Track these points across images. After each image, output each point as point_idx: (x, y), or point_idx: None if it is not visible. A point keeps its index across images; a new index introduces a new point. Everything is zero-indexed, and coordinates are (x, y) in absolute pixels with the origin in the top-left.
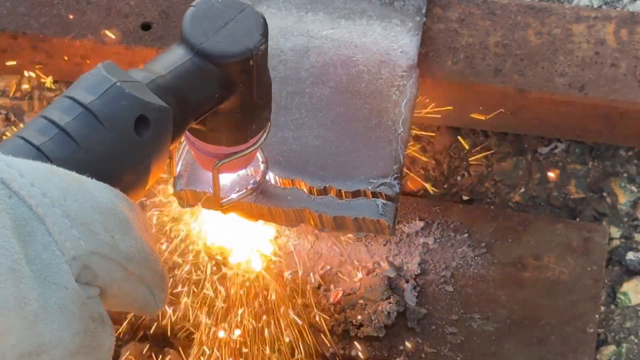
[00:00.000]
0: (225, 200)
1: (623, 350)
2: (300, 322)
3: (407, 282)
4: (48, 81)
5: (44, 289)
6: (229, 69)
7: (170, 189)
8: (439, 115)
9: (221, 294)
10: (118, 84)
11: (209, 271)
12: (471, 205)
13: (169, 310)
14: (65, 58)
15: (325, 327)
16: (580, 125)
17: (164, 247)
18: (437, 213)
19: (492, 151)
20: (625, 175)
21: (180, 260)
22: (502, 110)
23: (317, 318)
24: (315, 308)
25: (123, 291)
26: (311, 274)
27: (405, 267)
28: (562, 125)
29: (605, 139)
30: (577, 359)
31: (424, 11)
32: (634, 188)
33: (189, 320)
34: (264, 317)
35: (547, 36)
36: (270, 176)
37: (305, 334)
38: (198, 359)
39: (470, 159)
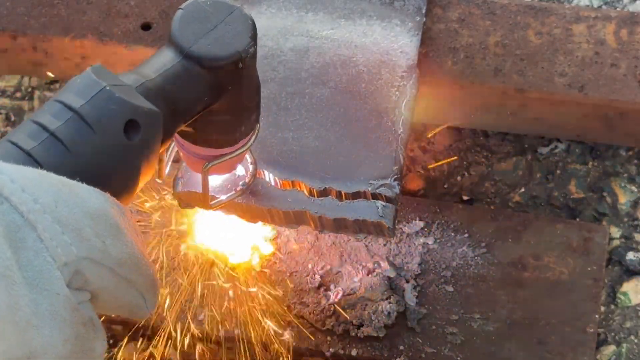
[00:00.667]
0: (214, 201)
1: (623, 350)
2: (300, 322)
3: (407, 282)
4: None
5: (35, 295)
6: (218, 72)
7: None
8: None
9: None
10: (107, 87)
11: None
12: (471, 205)
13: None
14: (65, 58)
15: (325, 327)
16: (580, 125)
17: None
18: (437, 213)
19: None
20: (625, 175)
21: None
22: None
23: (317, 318)
24: (315, 308)
25: (114, 296)
26: (311, 274)
27: (405, 267)
28: (562, 125)
29: (605, 139)
30: (577, 359)
31: (424, 11)
32: (634, 188)
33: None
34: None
35: (547, 36)
36: (270, 177)
37: (305, 334)
38: (199, 356)
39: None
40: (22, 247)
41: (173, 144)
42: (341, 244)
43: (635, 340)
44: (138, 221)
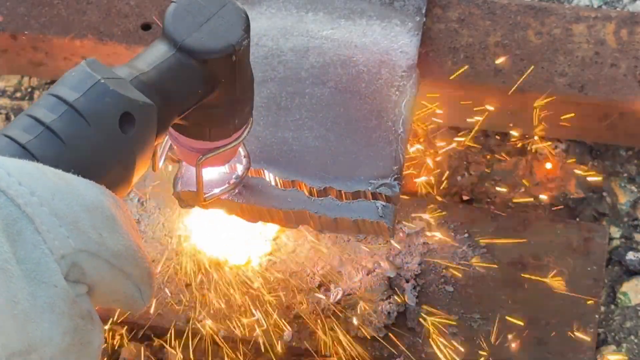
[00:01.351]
0: (208, 195)
1: (623, 350)
2: (300, 322)
3: (407, 282)
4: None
5: (33, 287)
6: (212, 65)
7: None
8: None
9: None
10: (102, 81)
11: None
12: (471, 205)
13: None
14: (65, 58)
15: (325, 326)
16: (580, 125)
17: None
18: (437, 213)
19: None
20: (625, 175)
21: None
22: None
23: (317, 318)
24: (315, 308)
25: (111, 288)
26: (311, 274)
27: (405, 267)
28: (562, 125)
29: (605, 139)
30: (577, 359)
31: (424, 11)
32: (634, 188)
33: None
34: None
35: (547, 36)
36: (270, 177)
37: (305, 334)
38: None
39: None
40: (20, 240)
41: (167, 137)
42: (341, 244)
43: (635, 340)
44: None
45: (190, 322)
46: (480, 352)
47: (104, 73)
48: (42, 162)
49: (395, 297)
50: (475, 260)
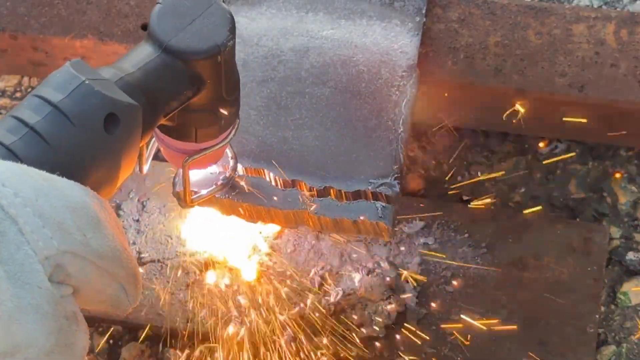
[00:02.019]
0: (195, 196)
1: (623, 350)
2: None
3: (407, 282)
4: None
5: (17, 289)
6: (197, 66)
7: None
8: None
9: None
10: (87, 82)
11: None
12: (471, 206)
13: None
14: (65, 58)
15: (325, 327)
16: (580, 125)
17: None
18: (437, 213)
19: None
20: (625, 175)
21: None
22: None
23: (317, 318)
24: (315, 308)
25: (96, 289)
26: (311, 274)
27: (405, 267)
28: (562, 125)
29: (605, 139)
30: (577, 359)
31: (424, 11)
32: (634, 188)
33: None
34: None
35: (547, 36)
36: (271, 176)
37: (305, 334)
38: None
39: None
40: (3, 240)
41: (154, 138)
42: (341, 244)
43: (635, 340)
44: None
45: (191, 322)
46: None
47: (88, 74)
48: (26, 163)
49: (395, 297)
50: (475, 261)
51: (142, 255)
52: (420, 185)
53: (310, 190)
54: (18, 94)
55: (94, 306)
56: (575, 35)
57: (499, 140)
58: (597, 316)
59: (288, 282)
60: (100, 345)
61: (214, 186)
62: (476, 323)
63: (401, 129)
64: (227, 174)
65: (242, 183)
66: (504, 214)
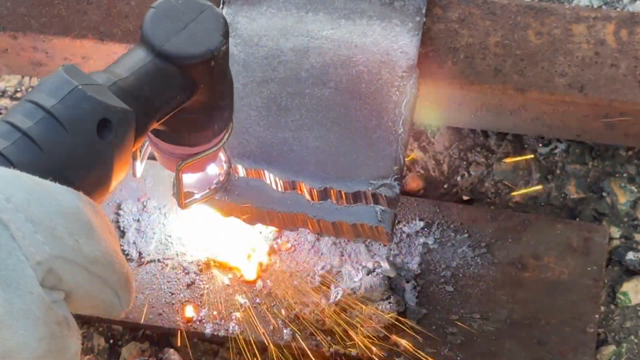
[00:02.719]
0: (188, 200)
1: (623, 350)
2: (300, 323)
3: (407, 282)
4: None
5: (9, 294)
6: (191, 70)
7: None
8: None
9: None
10: (80, 87)
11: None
12: (471, 205)
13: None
14: (65, 58)
15: (325, 327)
16: (580, 125)
17: None
18: (437, 213)
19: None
20: (625, 175)
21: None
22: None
23: (317, 318)
24: (315, 308)
25: (88, 294)
26: (311, 274)
27: (405, 267)
28: (562, 125)
29: (605, 139)
30: (577, 359)
31: (424, 11)
32: (634, 188)
33: (189, 321)
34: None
35: (547, 36)
36: (271, 178)
37: (305, 334)
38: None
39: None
40: None
41: (147, 142)
42: (341, 244)
43: (635, 340)
44: None
45: (191, 322)
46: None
47: (81, 79)
48: (18, 169)
49: (395, 297)
50: (475, 260)
51: (142, 255)
52: (420, 185)
53: (310, 191)
54: (18, 94)
55: (87, 311)
56: (575, 35)
57: (499, 140)
58: (597, 316)
59: (288, 281)
60: (101, 345)
61: (208, 190)
62: (476, 323)
63: (401, 130)
64: (221, 178)
65: (242, 185)
66: (504, 214)
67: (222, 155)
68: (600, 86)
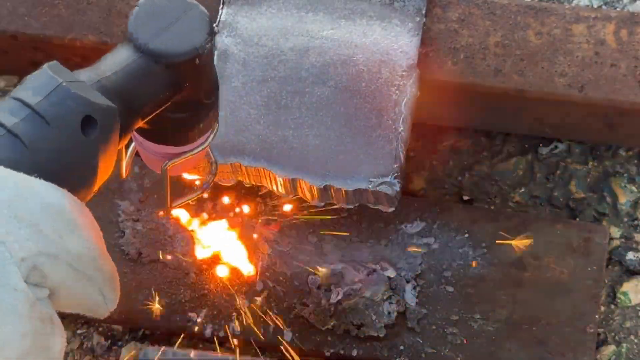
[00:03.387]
0: (176, 202)
1: (623, 350)
2: (300, 323)
3: (407, 282)
4: None
5: None
6: (176, 68)
7: None
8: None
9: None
10: (64, 84)
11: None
12: (471, 206)
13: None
14: (65, 58)
15: (325, 327)
16: (580, 125)
17: None
18: (437, 213)
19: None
20: (625, 175)
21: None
22: None
23: (318, 318)
24: (315, 308)
25: (73, 292)
26: (312, 274)
27: (405, 267)
28: (562, 125)
29: (605, 139)
30: (577, 359)
31: (424, 11)
32: (634, 188)
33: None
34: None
35: (547, 36)
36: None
37: (305, 334)
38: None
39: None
40: None
41: (133, 142)
42: (342, 245)
43: (635, 340)
44: None
45: (191, 322)
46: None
47: (66, 76)
48: (3, 165)
49: (395, 297)
50: (475, 261)
51: (142, 255)
52: (420, 185)
53: (310, 188)
54: None
55: (71, 309)
56: (575, 35)
57: (500, 141)
58: (597, 316)
59: (288, 282)
60: (101, 346)
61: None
62: (476, 323)
63: (401, 128)
64: (208, 179)
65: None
66: (504, 214)
67: (208, 155)
68: (600, 86)
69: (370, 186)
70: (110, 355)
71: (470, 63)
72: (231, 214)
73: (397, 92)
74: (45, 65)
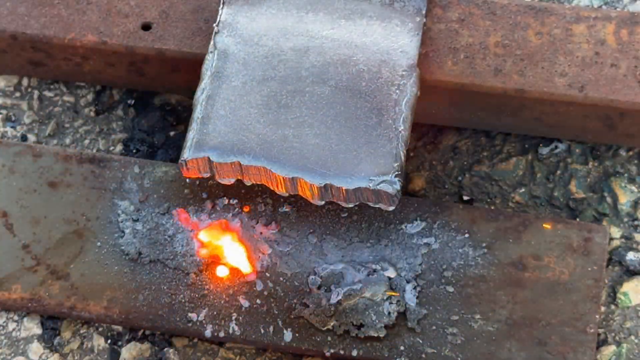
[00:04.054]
0: None
1: (623, 350)
2: (300, 323)
3: (408, 282)
4: None
5: None
6: None
7: None
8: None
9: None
10: None
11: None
12: (471, 206)
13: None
14: (65, 58)
15: (325, 327)
16: (580, 125)
17: None
18: (437, 213)
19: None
20: (625, 175)
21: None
22: None
23: (318, 318)
24: (315, 308)
25: None
26: (312, 275)
27: (405, 267)
28: (562, 125)
29: (605, 139)
30: (577, 359)
31: (424, 12)
32: (634, 188)
33: (189, 321)
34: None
35: (547, 36)
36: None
37: (305, 334)
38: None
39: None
40: None
41: None
42: (342, 245)
43: (635, 340)
44: None
45: (191, 322)
46: (480, 352)
47: None
48: None
49: (395, 297)
50: (475, 261)
51: (142, 256)
52: (421, 185)
53: (310, 187)
54: (18, 94)
55: None
56: (575, 35)
57: (500, 141)
58: (597, 316)
59: (289, 282)
60: (100, 346)
61: None
62: (476, 323)
63: (402, 127)
64: None
65: None
66: (504, 214)
67: None
68: (600, 86)
69: (370, 185)
70: (110, 355)
71: (470, 63)
72: (231, 214)
73: (397, 91)
74: None
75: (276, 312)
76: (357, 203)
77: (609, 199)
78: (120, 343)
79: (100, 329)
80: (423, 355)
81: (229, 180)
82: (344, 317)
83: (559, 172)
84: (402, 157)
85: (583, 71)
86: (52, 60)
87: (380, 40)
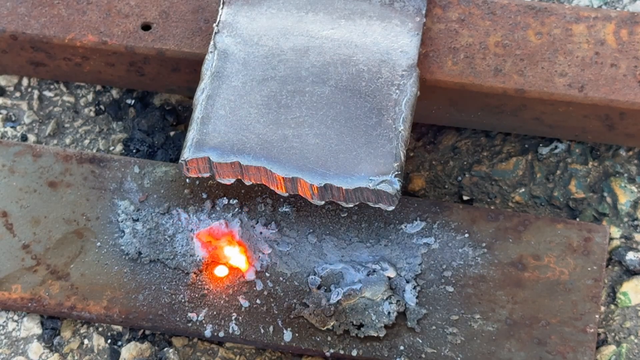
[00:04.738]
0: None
1: (623, 350)
2: (300, 323)
3: (407, 282)
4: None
5: None
6: None
7: None
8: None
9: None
10: None
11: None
12: (471, 206)
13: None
14: (65, 58)
15: (325, 327)
16: (580, 125)
17: None
18: (437, 213)
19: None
20: (625, 175)
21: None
22: None
23: (317, 318)
24: (315, 308)
25: None
26: (312, 275)
27: (405, 267)
28: (562, 125)
29: (605, 139)
30: (577, 359)
31: (424, 12)
32: (634, 188)
33: (189, 321)
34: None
35: (547, 36)
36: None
37: (305, 334)
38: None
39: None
40: None
41: None
42: (342, 245)
43: (635, 340)
44: None
45: (191, 322)
46: (480, 352)
47: None
48: None
49: (395, 297)
50: (475, 261)
51: (142, 255)
52: (421, 185)
53: (310, 187)
54: (18, 94)
55: None
56: (575, 35)
57: (500, 141)
58: (596, 316)
59: (289, 282)
60: (100, 346)
61: None
62: (476, 323)
63: (401, 127)
64: None
65: None
66: (504, 214)
67: None
68: (600, 86)
69: (370, 185)
70: (110, 355)
71: (470, 63)
72: (231, 214)
73: (397, 91)
74: None
75: (276, 312)
76: (357, 203)
77: (608, 199)
78: (120, 343)
79: (100, 329)
80: (423, 355)
81: (228, 180)
82: (343, 317)
83: (558, 172)
84: (402, 157)
85: (583, 71)
86: (52, 60)
87: (380, 40)
